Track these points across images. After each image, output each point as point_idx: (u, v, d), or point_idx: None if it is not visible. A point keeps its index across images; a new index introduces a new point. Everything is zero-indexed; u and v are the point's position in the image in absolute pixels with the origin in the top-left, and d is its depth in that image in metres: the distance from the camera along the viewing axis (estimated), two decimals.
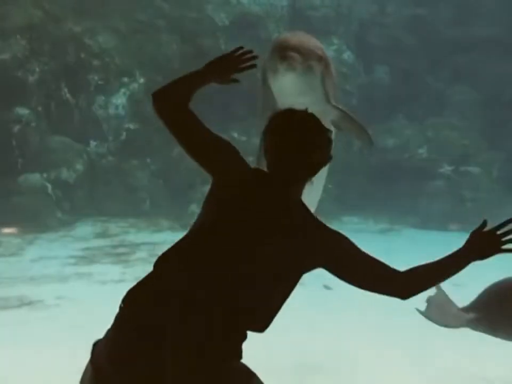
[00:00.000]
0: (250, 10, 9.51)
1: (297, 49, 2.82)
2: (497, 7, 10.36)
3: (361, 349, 4.23)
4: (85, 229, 7.70)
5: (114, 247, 7.08)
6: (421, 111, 10.06)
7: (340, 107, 3.08)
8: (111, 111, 8.25)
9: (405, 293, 1.61)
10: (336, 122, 3.09)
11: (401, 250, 7.49)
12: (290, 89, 2.84)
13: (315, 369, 3.98)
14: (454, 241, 8.01)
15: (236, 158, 1.62)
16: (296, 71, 2.82)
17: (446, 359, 4.26)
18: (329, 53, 9.75)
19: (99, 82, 8.11)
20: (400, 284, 1.60)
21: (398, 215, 9.10)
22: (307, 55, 2.85)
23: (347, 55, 9.80)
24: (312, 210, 3.46)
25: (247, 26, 9.49)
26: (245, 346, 1.66)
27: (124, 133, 8.25)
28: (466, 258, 1.63)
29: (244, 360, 1.68)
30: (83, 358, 3.82)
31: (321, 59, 2.97)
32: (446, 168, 9.52)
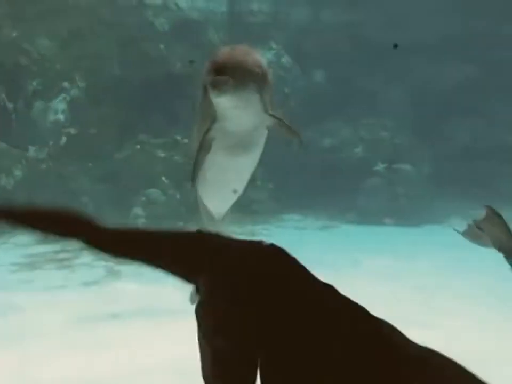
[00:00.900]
0: (189, 15, 9.66)
1: (235, 70, 2.83)
2: (425, 13, 10.96)
3: None
4: (25, 236, 7.59)
5: (57, 252, 7.05)
6: (355, 113, 10.52)
7: (275, 115, 3.19)
8: (51, 116, 8.17)
9: None
10: (272, 128, 3.26)
11: (341, 245, 7.90)
12: (228, 105, 2.95)
13: None
14: (389, 234, 8.63)
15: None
16: (233, 92, 2.87)
17: None
18: (268, 57, 10.10)
19: (38, 87, 8.02)
20: None
21: (336, 212, 9.51)
22: (244, 76, 2.86)
23: (285, 60, 10.15)
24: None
25: (187, 32, 9.63)
26: None
27: (64, 138, 8.19)
28: None
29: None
30: (31, 363, 3.99)
31: (259, 76, 2.96)
32: (380, 166, 9.98)
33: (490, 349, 4.37)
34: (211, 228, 3.49)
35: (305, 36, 10.75)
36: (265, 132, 3.21)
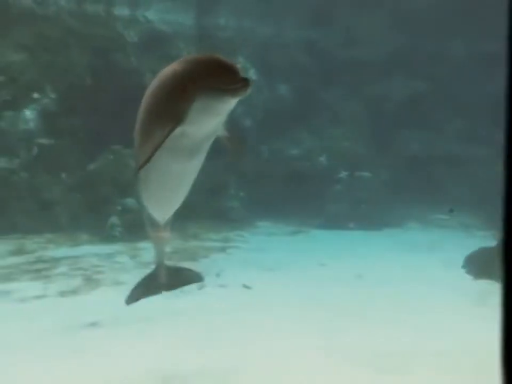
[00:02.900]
0: (158, 28, 9.73)
1: (239, 73, 2.77)
2: (381, 31, 11.52)
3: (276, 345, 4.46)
4: (0, 247, 7.30)
5: (32, 263, 6.83)
6: (318, 124, 10.88)
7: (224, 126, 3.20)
8: (21, 126, 7.95)
9: None
10: (221, 136, 3.21)
11: (309, 249, 8.13)
12: (227, 108, 2.83)
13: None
14: (353, 237, 9.03)
15: None
16: (243, 95, 2.78)
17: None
18: None
19: (7, 97, 7.79)
20: None
21: (305, 217, 9.81)
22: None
23: (252, 73, 10.36)
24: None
25: (156, 44, 9.69)
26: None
27: (36, 148, 7.98)
28: None
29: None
30: (9, 376, 3.87)
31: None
32: (343, 174, 10.35)
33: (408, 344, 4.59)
34: (154, 233, 3.46)
35: (270, 51, 11.06)
36: (212, 140, 3.17)
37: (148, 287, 3.71)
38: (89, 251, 7.61)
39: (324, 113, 11.13)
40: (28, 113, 8.00)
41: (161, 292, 3.71)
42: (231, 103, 2.77)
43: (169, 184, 3.10)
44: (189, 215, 6.90)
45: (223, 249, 7.73)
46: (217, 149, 3.14)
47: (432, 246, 8.34)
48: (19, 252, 7.21)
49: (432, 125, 11.61)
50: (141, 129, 3.12)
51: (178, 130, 2.79)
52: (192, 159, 3.05)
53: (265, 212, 9.74)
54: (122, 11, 9.32)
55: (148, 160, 2.82)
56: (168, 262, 3.87)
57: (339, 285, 6.27)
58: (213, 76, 2.74)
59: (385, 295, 5.88)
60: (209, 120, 2.83)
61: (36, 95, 8.11)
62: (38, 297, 5.85)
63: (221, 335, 4.53)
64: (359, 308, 5.40)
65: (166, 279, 3.69)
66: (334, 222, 9.81)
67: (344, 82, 11.35)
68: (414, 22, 11.51)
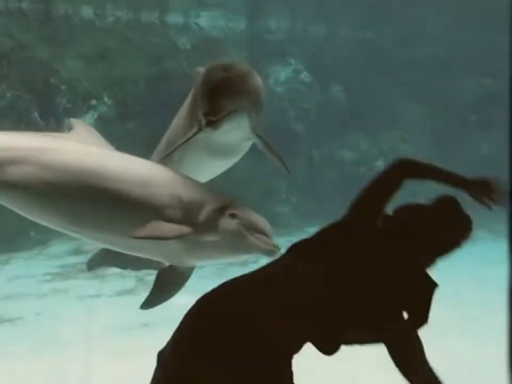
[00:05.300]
0: (210, 34, 10.32)
1: (232, 97, 2.81)
2: (439, 28, 11.48)
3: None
4: (58, 247, 8.08)
5: None
6: (375, 126, 10.96)
7: (262, 136, 3.17)
8: None
9: None
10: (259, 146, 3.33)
11: None
12: (220, 132, 2.96)
13: None
14: None
15: None
16: (228, 121, 2.84)
17: None
18: (287, 73, 10.69)
19: (67, 105, 8.66)
20: None
21: None
22: (241, 103, 2.83)
23: (304, 75, 10.70)
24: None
25: (207, 50, 10.27)
26: None
27: None
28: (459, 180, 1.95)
29: None
30: (66, 372, 4.46)
31: (253, 100, 2.89)
32: None
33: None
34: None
35: (323, 52, 11.32)
36: (250, 143, 3.24)
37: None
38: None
39: (380, 115, 11.18)
40: (86, 119, 8.83)
41: None
42: (220, 130, 2.84)
43: (196, 174, 3.20)
44: None
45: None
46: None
47: (504, 259, 8.06)
48: (76, 252, 7.95)
49: (503, 125, 11.38)
50: (173, 124, 3.48)
51: (202, 135, 2.96)
52: (223, 158, 3.30)
53: (317, 218, 9.95)
54: (175, 19, 10.05)
55: (167, 156, 3.12)
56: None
57: None
58: (204, 94, 2.85)
59: (444, 311, 5.90)
60: (223, 136, 2.97)
61: (93, 102, 8.95)
62: (94, 296, 6.46)
63: None
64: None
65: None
66: None
67: (403, 82, 11.39)
68: (482, 15, 11.37)
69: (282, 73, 10.57)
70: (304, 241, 2.03)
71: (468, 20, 11.40)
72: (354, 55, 11.40)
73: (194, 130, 3.03)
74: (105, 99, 8.96)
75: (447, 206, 1.98)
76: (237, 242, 2.81)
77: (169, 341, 1.91)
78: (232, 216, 2.82)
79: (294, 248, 2.00)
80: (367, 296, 1.83)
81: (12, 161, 2.87)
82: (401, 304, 1.88)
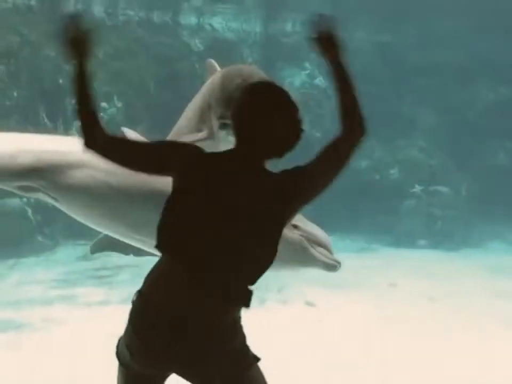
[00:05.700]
0: (224, 36, 10.17)
1: None
2: (457, 33, 11.35)
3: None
4: (65, 252, 7.93)
5: (97, 269, 7.34)
6: (390, 134, 10.82)
7: None
8: None
9: (357, 132, 1.85)
10: None
11: (379, 267, 8.10)
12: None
13: None
14: (426, 257, 8.91)
15: (183, 150, 1.84)
16: None
17: None
18: (302, 77, 10.53)
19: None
20: (348, 134, 1.82)
21: (374, 234, 9.72)
22: None
23: (319, 80, 10.54)
24: None
25: (221, 51, 10.12)
26: None
27: None
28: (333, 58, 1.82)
29: None
30: (73, 379, 4.23)
31: None
32: (417, 188, 10.18)
33: None
34: None
35: None
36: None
37: None
38: (152, 260, 8.00)
39: (395, 122, 11.05)
40: None
41: None
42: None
43: None
44: None
45: None
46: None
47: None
48: (85, 257, 7.78)
49: None
50: (181, 123, 3.37)
51: (208, 142, 2.90)
52: None
53: (331, 226, 9.76)
54: (188, 20, 9.89)
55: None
56: None
57: (411, 305, 6.26)
58: (228, 108, 2.66)
59: (460, 324, 5.79)
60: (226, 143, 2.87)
61: (103, 104, 8.77)
62: (102, 302, 6.32)
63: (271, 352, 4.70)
64: (430, 336, 5.35)
65: None
66: (405, 240, 9.69)
67: (419, 89, 11.26)
68: (499, 22, 11.24)
69: (297, 77, 10.42)
70: None
71: (485, 27, 11.28)
72: (370, 60, 11.27)
73: (204, 134, 3.01)
74: (116, 101, 8.79)
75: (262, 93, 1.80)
76: (299, 254, 2.79)
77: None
78: (295, 227, 2.80)
79: None
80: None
81: (71, 165, 2.82)
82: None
